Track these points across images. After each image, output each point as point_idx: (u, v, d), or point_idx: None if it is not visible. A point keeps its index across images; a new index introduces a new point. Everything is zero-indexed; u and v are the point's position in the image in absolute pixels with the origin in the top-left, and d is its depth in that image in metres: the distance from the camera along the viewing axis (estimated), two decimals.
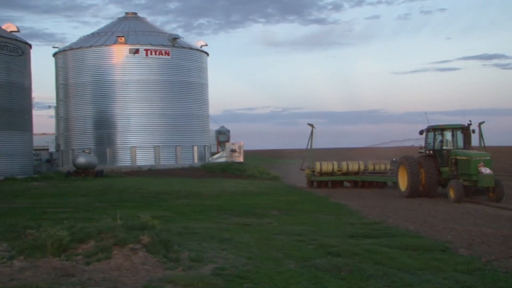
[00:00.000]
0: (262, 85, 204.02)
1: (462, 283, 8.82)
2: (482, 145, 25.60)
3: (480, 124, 25.60)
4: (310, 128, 33.05)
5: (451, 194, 22.50)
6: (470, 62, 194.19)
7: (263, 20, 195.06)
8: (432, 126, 25.64)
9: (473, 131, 24.80)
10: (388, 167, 31.65)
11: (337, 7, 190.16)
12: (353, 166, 31.63)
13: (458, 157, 23.68)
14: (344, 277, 9.19)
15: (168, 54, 51.04)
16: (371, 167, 31.92)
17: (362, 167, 31.70)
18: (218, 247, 11.74)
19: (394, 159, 31.14)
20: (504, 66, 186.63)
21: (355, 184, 31.52)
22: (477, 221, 16.73)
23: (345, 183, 32.38)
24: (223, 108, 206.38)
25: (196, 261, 9.79)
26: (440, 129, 25.41)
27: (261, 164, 56.69)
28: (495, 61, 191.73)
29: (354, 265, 9.93)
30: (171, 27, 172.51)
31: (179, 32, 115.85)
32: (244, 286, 8.55)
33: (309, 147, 33.25)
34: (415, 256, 11.00)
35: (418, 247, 11.92)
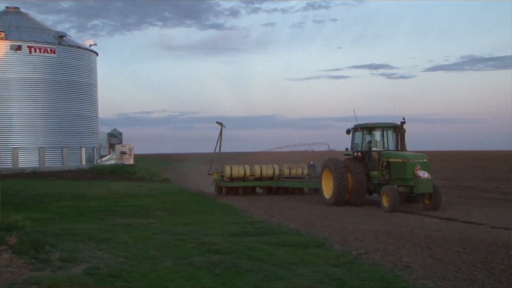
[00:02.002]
0: (159, 89, 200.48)
1: (331, 275, 9.20)
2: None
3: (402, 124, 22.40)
4: (219, 127, 28.88)
5: (385, 202, 19.84)
6: (359, 71, 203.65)
7: (160, 23, 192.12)
8: (360, 124, 22.75)
9: (404, 131, 22.11)
10: (306, 171, 28.51)
11: (234, 13, 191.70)
12: (268, 170, 27.75)
13: (391, 160, 21.06)
14: (219, 273, 9.26)
15: (54, 52, 48.81)
16: (287, 172, 28.19)
17: (277, 171, 27.96)
18: (95, 247, 11.44)
19: (311, 162, 29.00)
20: (389, 76, 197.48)
21: (269, 190, 27.85)
22: (354, 219, 17.55)
23: (258, 190, 28.62)
24: (118, 112, 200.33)
25: (68, 261, 9.48)
26: (369, 128, 22.55)
27: (154, 167, 56.00)
28: (381, 70, 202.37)
29: (231, 261, 10.04)
30: (64, 27, 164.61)
31: (72, 33, 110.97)
32: (116, 285, 8.37)
33: (217, 149, 28.82)
34: (292, 252, 11.33)
35: (296, 244, 12.28)
